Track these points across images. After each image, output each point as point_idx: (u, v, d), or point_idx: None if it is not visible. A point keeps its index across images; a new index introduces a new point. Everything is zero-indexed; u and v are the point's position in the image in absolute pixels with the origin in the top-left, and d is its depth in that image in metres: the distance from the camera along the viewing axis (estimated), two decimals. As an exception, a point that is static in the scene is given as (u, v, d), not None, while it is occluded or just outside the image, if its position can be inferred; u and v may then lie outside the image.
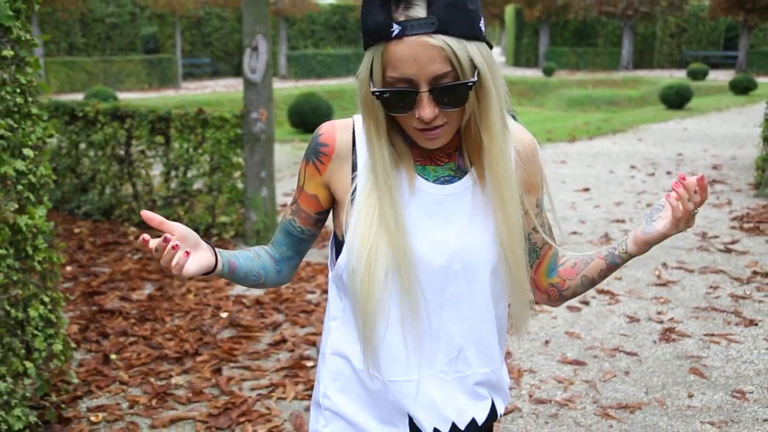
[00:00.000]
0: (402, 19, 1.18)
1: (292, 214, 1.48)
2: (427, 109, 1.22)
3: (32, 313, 3.15)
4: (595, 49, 39.21)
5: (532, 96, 29.95)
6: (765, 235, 6.46)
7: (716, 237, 6.42)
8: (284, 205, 7.60)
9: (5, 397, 2.95)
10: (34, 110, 3.19)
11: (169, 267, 1.24)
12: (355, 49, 36.90)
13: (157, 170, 7.06)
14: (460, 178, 1.37)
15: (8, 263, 2.99)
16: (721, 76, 30.09)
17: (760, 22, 31.86)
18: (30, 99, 3.15)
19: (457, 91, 1.22)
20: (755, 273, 5.39)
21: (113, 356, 4.06)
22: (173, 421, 3.39)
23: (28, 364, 3.12)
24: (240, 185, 6.31)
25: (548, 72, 32.29)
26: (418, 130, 1.28)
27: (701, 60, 36.24)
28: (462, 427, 1.44)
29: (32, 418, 3.13)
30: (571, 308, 4.75)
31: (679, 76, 30.23)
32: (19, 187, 3.07)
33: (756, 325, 4.45)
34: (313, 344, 4.21)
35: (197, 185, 6.69)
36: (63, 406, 3.46)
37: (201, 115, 6.30)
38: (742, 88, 21.55)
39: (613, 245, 1.44)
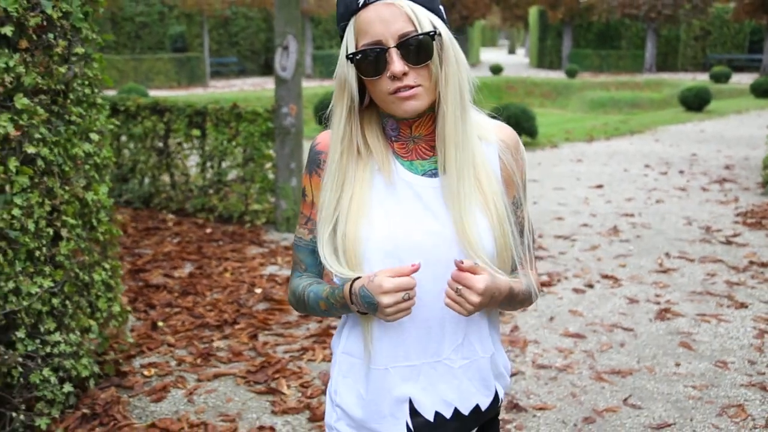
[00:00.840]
0: None
1: (311, 233, 1.53)
2: (396, 64, 1.32)
3: (96, 277, 3.63)
4: (619, 52, 39.37)
5: (555, 98, 30.24)
6: (766, 229, 6.82)
7: (719, 230, 6.79)
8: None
9: (74, 348, 3.42)
10: (99, 100, 3.67)
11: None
12: (380, 50, 37.41)
13: (193, 161, 7.55)
14: (444, 171, 1.44)
15: (77, 233, 3.46)
16: (744, 79, 30.15)
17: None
18: (96, 90, 3.63)
19: (421, 44, 1.33)
20: (752, 263, 5.77)
21: (160, 323, 4.53)
22: (216, 377, 3.85)
23: (92, 322, 3.59)
24: (271, 175, 6.78)
25: (571, 74, 32.52)
26: (393, 95, 1.36)
27: (725, 63, 36.25)
28: (466, 412, 1.48)
29: (95, 369, 3.61)
30: (576, 290, 5.16)
31: (702, 79, 30.36)
32: (86, 167, 3.54)
33: (746, 307, 4.83)
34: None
35: (231, 175, 7.16)
36: (120, 361, 3.93)
37: (235, 110, 6.78)
38: (763, 91, 21.71)
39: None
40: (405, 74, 1.33)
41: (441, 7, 1.39)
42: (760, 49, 36.78)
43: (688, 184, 9.17)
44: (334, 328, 4.45)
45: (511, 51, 70.78)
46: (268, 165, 6.77)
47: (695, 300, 4.97)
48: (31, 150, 3.04)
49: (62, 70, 3.24)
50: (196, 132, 7.09)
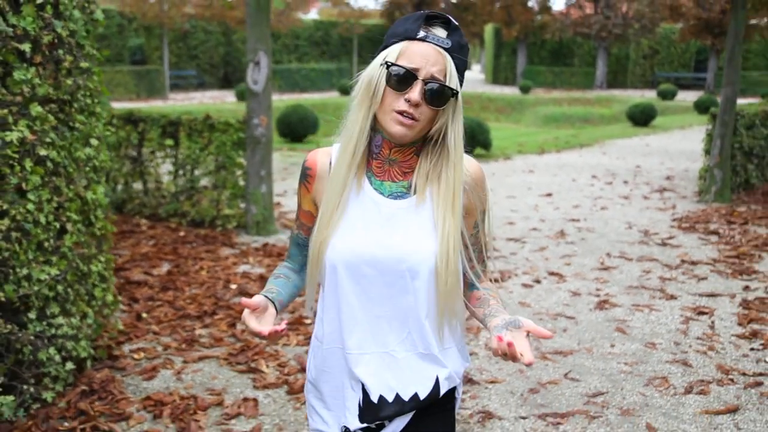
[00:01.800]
0: (428, 31, 1.58)
1: (297, 229, 1.83)
2: (416, 93, 1.55)
3: (93, 268, 4.02)
4: (571, 69, 40.56)
5: (509, 112, 31.03)
6: (698, 232, 7.45)
7: (656, 234, 7.40)
8: (279, 201, 8.49)
9: (75, 331, 3.81)
10: (98, 109, 4.08)
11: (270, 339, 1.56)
12: (338, 64, 37.88)
13: (165, 169, 7.92)
14: (410, 195, 1.66)
15: (78, 228, 3.86)
16: (690, 97, 31.36)
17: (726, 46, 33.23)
18: (96, 100, 4.03)
19: (443, 92, 1.57)
20: (683, 261, 6.36)
21: (144, 315, 4.92)
22: (201, 359, 4.26)
23: (89, 309, 3.99)
24: (242, 182, 7.20)
25: (525, 90, 33.44)
26: (398, 113, 1.57)
27: (673, 81, 37.59)
28: (405, 398, 1.68)
29: (91, 351, 3.99)
30: (525, 285, 5.67)
31: (650, 96, 31.46)
32: (87, 169, 3.94)
33: (675, 299, 5.39)
34: (310, 309, 5.09)
35: (203, 182, 7.55)
36: (112, 346, 4.31)
37: (208, 121, 7.20)
38: (705, 107, 22.75)
39: (499, 325, 1.59)
40: (417, 105, 1.55)
41: (464, 75, 1.65)
42: (705, 68, 38.21)
43: (631, 193, 9.82)
44: (300, 320, 4.88)
45: (467, 67, 71.90)
46: (239, 172, 7.18)
47: (631, 293, 5.53)
48: (42, 152, 3.44)
49: (69, 82, 3.66)
50: (169, 141, 7.47)
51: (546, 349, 4.46)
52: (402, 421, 1.71)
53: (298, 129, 14.87)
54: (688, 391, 3.90)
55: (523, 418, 3.61)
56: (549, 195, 9.62)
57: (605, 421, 3.58)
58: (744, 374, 4.11)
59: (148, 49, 33.95)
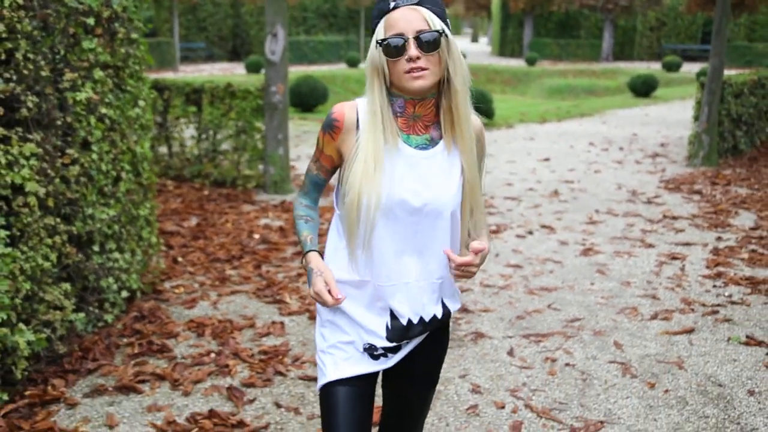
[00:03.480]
0: (397, 1, 1.81)
1: (317, 170, 2.02)
2: (413, 49, 1.77)
3: (141, 212, 4.68)
4: (578, 41, 40.82)
5: (515, 84, 31.46)
6: (682, 192, 8.08)
7: (643, 193, 8.03)
8: (293, 165, 9.14)
9: (127, 265, 4.48)
10: (143, 75, 4.72)
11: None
12: (346, 37, 38.27)
13: (188, 134, 8.57)
14: (433, 147, 1.90)
15: (129, 177, 4.51)
16: (695, 69, 31.67)
17: (733, 17, 33.51)
18: (143, 67, 4.67)
19: (432, 38, 1.77)
20: (665, 216, 7.00)
21: (180, 259, 5.59)
22: (233, 293, 4.93)
23: (137, 248, 4.65)
24: (260, 145, 7.84)
25: (531, 62, 33.82)
26: (407, 73, 1.78)
27: (679, 53, 37.86)
28: (427, 319, 1.99)
29: (140, 284, 4.67)
30: (518, 236, 6.33)
31: (656, 68, 31.84)
32: (136, 126, 4.59)
33: (653, 247, 6.04)
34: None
35: (225, 145, 8.20)
36: (156, 282, 4.99)
37: (229, 88, 7.83)
38: (708, 79, 23.19)
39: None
40: (418, 58, 1.77)
41: (448, 20, 1.86)
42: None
43: (625, 158, 10.43)
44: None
45: (474, 39, 72.14)
46: (258, 136, 7.83)
47: (614, 243, 6.17)
48: (103, 111, 4.08)
49: (122, 50, 4.30)
50: (192, 108, 8.11)
51: (534, 286, 5.12)
52: (418, 339, 2.03)
53: (309, 99, 15.46)
54: (653, 317, 4.56)
55: (510, 337, 4.28)
56: (547, 160, 10.25)
57: (579, 340, 4.24)
58: (704, 305, 4.77)
59: (158, 21, 34.36)
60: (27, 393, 3.44)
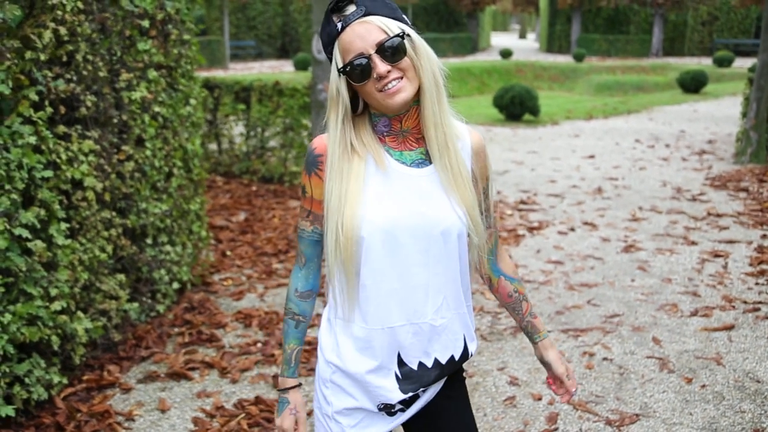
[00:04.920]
0: (341, 18, 1.59)
1: (312, 224, 1.72)
2: (379, 65, 1.55)
3: (191, 207, 4.85)
4: (627, 37, 40.25)
5: (563, 81, 31.17)
6: (727, 189, 8.00)
7: (688, 191, 7.98)
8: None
9: (178, 258, 4.65)
10: (195, 75, 4.88)
11: None
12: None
13: (237, 131, 8.77)
14: (430, 162, 1.67)
15: (180, 173, 4.68)
16: (748, 64, 31.04)
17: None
18: (194, 66, 4.83)
19: (396, 45, 1.55)
20: (709, 214, 6.95)
21: (228, 252, 5.76)
22: (279, 286, 5.07)
23: (188, 241, 4.82)
24: (307, 142, 7.99)
25: (579, 58, 33.49)
26: (382, 93, 1.57)
27: (732, 48, 37.11)
28: (443, 362, 1.73)
29: (190, 277, 4.84)
30: (560, 233, 6.35)
31: (707, 63, 31.29)
32: (187, 124, 4.75)
33: (696, 244, 6.02)
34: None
35: (272, 142, 8.38)
36: (205, 274, 5.16)
37: (277, 87, 7.99)
38: (760, 75, 22.72)
39: (532, 332, 1.89)
40: (389, 72, 1.55)
41: (404, 16, 1.64)
42: (765, 34, 37.50)
43: (671, 155, 10.34)
44: (367, 255, 5.66)
45: (522, 36, 71.54)
46: (305, 133, 7.98)
47: (656, 240, 6.16)
48: (156, 109, 4.25)
49: (175, 51, 4.46)
50: (241, 106, 8.30)
51: (574, 282, 5.16)
52: (436, 387, 1.78)
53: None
54: (693, 314, 4.57)
55: (549, 331, 4.33)
56: (591, 157, 10.21)
57: (618, 335, 4.28)
58: (745, 302, 4.75)
59: (209, 20, 34.90)
60: (84, 378, 3.63)
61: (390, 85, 1.56)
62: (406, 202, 1.63)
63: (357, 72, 1.57)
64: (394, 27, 1.57)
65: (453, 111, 1.71)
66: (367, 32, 1.56)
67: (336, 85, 1.61)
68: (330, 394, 1.74)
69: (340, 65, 1.59)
